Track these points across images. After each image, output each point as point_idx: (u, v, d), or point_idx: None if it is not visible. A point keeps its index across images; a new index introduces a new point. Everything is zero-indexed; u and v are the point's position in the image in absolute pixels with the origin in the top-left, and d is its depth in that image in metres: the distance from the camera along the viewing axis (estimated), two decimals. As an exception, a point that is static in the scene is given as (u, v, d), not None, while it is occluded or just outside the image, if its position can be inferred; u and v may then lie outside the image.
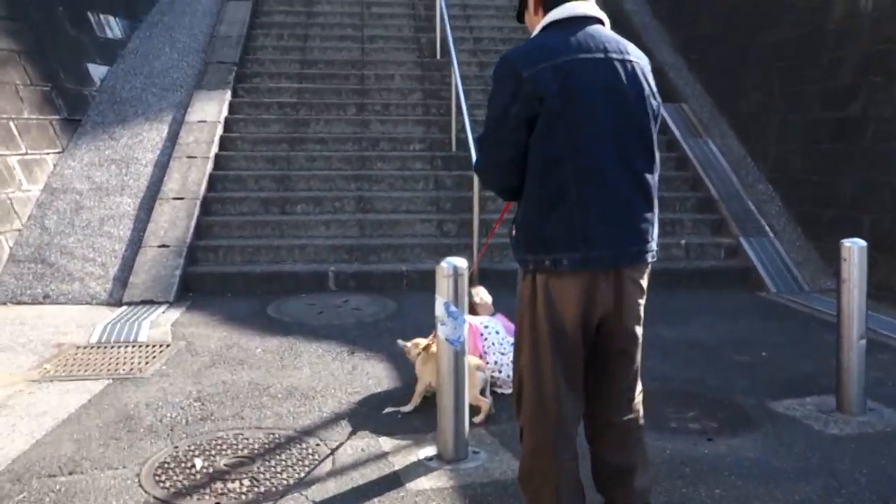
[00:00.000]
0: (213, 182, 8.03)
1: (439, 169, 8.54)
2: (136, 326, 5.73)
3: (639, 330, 2.75)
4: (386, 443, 3.79)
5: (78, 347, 5.27)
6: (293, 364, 4.96)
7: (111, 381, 4.63)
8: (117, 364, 4.92)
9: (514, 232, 2.69)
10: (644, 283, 2.71)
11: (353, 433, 3.90)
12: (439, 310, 3.47)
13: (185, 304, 6.45)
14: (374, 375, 4.76)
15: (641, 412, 2.91)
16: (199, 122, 8.69)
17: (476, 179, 7.00)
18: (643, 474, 2.86)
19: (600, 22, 2.71)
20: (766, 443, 3.87)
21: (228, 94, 9.30)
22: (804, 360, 5.22)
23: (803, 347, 5.50)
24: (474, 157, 7.15)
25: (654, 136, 2.67)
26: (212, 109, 8.94)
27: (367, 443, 3.79)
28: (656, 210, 2.68)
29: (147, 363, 4.93)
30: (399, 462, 3.58)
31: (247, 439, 3.80)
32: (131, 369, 4.82)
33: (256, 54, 10.36)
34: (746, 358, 5.24)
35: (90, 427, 3.95)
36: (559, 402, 2.67)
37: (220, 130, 8.68)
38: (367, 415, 4.14)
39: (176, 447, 3.71)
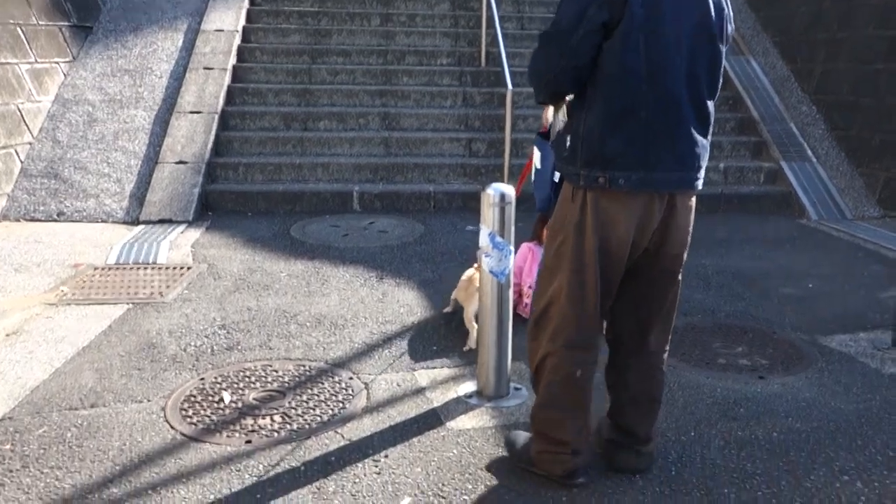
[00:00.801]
0: (231, 95, 7.71)
1: (468, 85, 8.15)
2: (155, 247, 5.52)
3: (684, 254, 2.68)
4: (422, 377, 3.59)
5: (95, 269, 5.07)
6: (320, 290, 4.74)
7: (131, 305, 4.44)
8: (137, 287, 4.73)
9: (567, 143, 2.52)
10: (693, 207, 2.64)
11: (387, 366, 3.70)
12: (483, 240, 3.21)
13: (204, 223, 6.22)
14: (405, 303, 4.54)
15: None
16: (216, 30, 8.31)
17: (509, 96, 6.64)
18: (658, 411, 2.85)
19: None
20: (822, 382, 3.66)
21: (246, 2, 8.89)
22: (853, 293, 4.97)
23: (851, 279, 5.24)
24: (507, 69, 6.79)
25: (723, 62, 2.54)
26: (229, 18, 8.54)
27: (402, 377, 3.59)
28: (710, 137, 2.58)
29: (168, 287, 4.73)
30: (437, 398, 3.38)
31: (276, 371, 3.61)
32: (152, 293, 4.63)
33: (275, -41, 9.85)
34: (792, 290, 4.99)
35: (111, 356, 3.76)
36: (597, 328, 2.63)
37: (237, 40, 8.31)
38: (401, 346, 3.94)
39: (202, 379, 3.52)
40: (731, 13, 2.55)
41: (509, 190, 3.17)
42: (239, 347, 3.88)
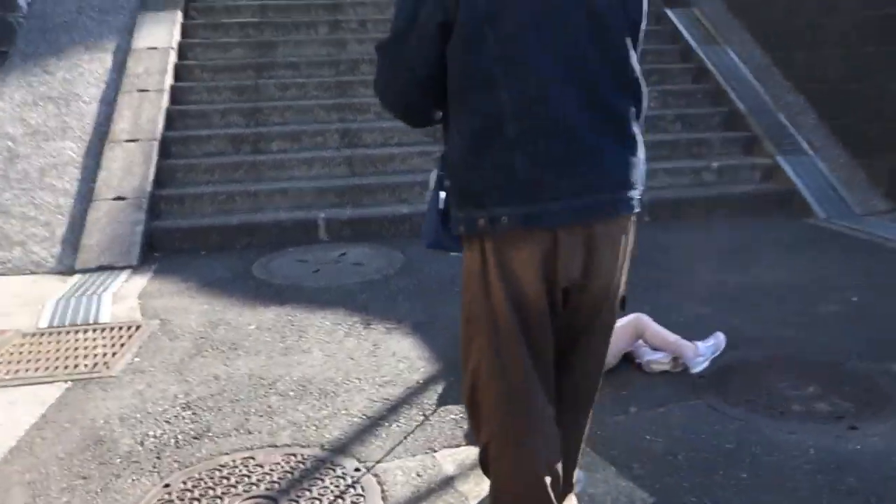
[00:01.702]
0: (171, 119, 6.88)
1: (432, 93, 7.45)
2: (96, 302, 4.69)
3: (615, 303, 2.12)
4: (446, 460, 2.88)
5: (24, 335, 4.23)
6: (298, 345, 3.99)
7: (70, 383, 3.62)
8: (76, 357, 3.91)
9: (444, 181, 1.99)
10: (627, 238, 2.06)
11: (400, 448, 2.98)
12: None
13: (151, 267, 5.40)
14: (402, 356, 3.82)
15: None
16: (149, 48, 7.46)
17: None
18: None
19: None
20: (924, 430, 3.04)
21: (179, 15, 8.06)
22: (905, 306, 4.40)
23: (894, 289, 4.68)
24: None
25: (631, 52, 1.96)
26: (161, 33, 7.70)
27: (421, 462, 2.87)
28: (638, 147, 2.00)
29: (114, 354, 3.93)
30: (472, 492, 2.67)
31: (261, 466, 2.86)
32: (95, 364, 3.82)
33: (208, -33, 9.02)
34: (836, 306, 4.40)
35: (48, 459, 2.96)
36: (535, 396, 2.02)
37: (173, 58, 7.48)
38: (411, 417, 3.21)
39: (167, 485, 2.75)
40: None
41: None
42: (210, 434, 3.11)
